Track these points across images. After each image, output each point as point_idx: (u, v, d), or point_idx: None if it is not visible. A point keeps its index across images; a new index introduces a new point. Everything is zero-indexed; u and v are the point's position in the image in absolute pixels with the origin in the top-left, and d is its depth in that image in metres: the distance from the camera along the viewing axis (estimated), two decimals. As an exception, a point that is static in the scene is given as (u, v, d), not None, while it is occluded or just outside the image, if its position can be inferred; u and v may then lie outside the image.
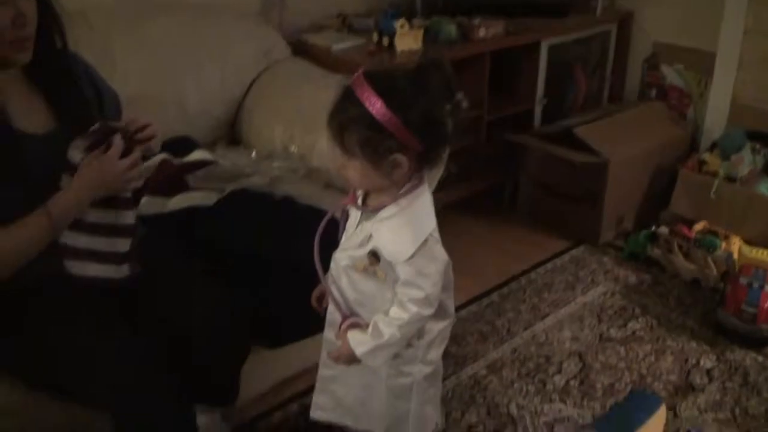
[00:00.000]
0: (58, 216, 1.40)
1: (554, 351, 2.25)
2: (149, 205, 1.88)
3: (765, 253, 2.30)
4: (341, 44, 2.62)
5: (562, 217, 2.96)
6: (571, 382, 2.11)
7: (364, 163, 1.28)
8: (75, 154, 1.45)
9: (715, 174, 2.73)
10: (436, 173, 2.07)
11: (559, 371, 2.16)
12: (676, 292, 2.56)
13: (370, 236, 1.35)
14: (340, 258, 1.42)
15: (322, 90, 2.32)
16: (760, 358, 2.21)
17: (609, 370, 2.16)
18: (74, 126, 1.48)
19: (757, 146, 2.79)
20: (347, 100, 1.26)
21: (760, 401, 2.05)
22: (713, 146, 2.95)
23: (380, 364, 1.42)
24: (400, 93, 1.24)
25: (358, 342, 1.38)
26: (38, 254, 1.40)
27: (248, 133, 2.41)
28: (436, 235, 1.36)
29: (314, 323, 1.65)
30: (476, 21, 2.70)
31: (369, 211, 1.37)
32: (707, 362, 2.20)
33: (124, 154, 1.46)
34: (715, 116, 3.09)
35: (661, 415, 1.62)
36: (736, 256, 2.40)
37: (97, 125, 1.48)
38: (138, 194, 1.86)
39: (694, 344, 2.28)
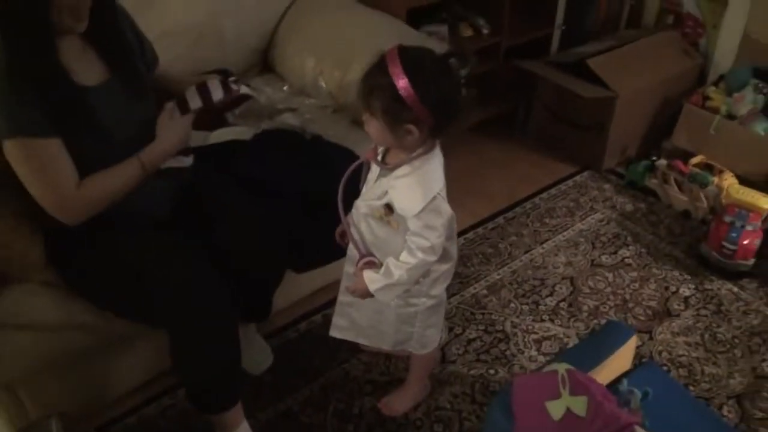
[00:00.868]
0: (149, 165, 1.70)
1: (549, 275, 2.51)
2: (193, 138, 2.10)
3: (751, 194, 2.48)
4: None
5: (570, 143, 3.15)
6: (561, 304, 2.38)
7: (383, 124, 1.49)
8: (194, 101, 1.80)
9: (717, 110, 2.88)
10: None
11: (552, 294, 2.43)
12: (667, 221, 2.78)
13: (386, 191, 1.57)
14: (360, 206, 1.66)
15: (355, 24, 2.48)
16: (735, 289, 2.45)
17: (596, 294, 2.42)
18: (123, 75, 1.70)
19: (760, 85, 2.91)
20: (379, 67, 1.45)
21: (728, 328, 2.30)
22: (720, 80, 3.08)
23: (390, 300, 1.68)
24: (424, 74, 1.43)
25: (372, 280, 1.63)
26: None
27: (281, 63, 2.57)
28: (443, 193, 1.58)
29: (336, 252, 1.91)
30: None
31: (387, 168, 1.59)
32: (686, 290, 2.45)
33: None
34: (726, 49, 3.19)
35: (631, 344, 1.87)
36: (724, 194, 2.59)
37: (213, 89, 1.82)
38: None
39: (677, 273, 2.52)
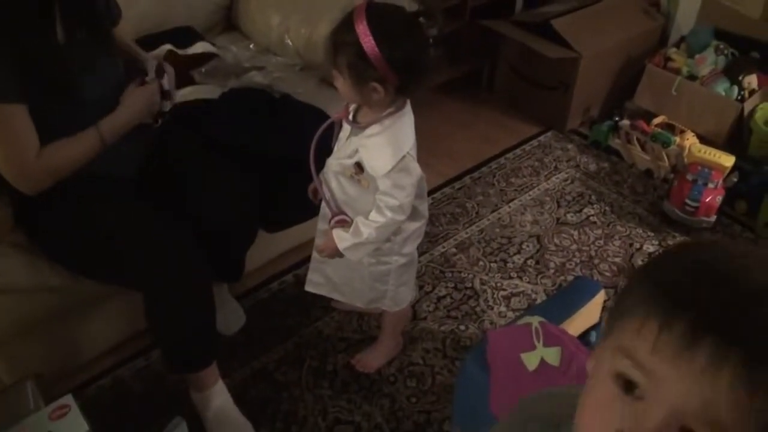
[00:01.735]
0: (108, 134, 1.66)
1: (516, 233, 2.55)
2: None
3: (712, 153, 2.53)
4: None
5: (534, 103, 3.17)
6: (528, 261, 2.43)
7: (349, 81, 1.49)
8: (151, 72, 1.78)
9: (678, 71, 2.93)
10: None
11: (519, 251, 2.46)
12: (630, 180, 2.84)
13: (357, 150, 1.58)
14: (332, 164, 1.66)
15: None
16: (695, 245, 2.52)
17: (562, 252, 2.47)
18: (91, 31, 1.65)
19: (721, 46, 2.96)
20: (346, 24, 1.44)
21: (689, 282, 2.37)
22: (681, 40, 3.13)
23: (359, 258, 1.69)
24: (391, 33, 1.42)
25: (341, 239, 1.64)
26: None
27: (245, 21, 2.53)
28: (413, 153, 1.58)
29: (308, 211, 1.92)
30: None
31: (358, 127, 1.59)
32: (650, 247, 2.51)
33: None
34: (687, 10, 3.23)
35: (599, 299, 1.92)
36: (686, 152, 2.65)
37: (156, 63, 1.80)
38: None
39: (640, 230, 2.58)
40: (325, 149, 1.70)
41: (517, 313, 2.21)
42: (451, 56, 3.14)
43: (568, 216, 2.64)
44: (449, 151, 2.94)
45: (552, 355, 1.54)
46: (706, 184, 2.51)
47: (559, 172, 2.87)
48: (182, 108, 2.05)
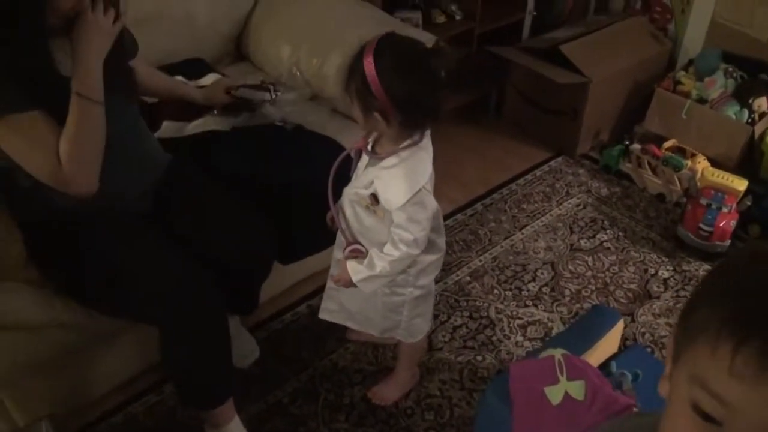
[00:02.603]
0: (85, 88, 1.49)
1: (530, 260, 2.52)
2: (168, 129, 2.05)
3: (725, 176, 2.52)
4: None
5: (543, 128, 3.16)
6: (543, 289, 2.40)
7: (357, 108, 1.49)
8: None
9: (688, 95, 2.92)
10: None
11: (534, 279, 2.44)
12: (642, 205, 2.82)
13: (372, 181, 1.56)
14: (349, 193, 1.64)
15: (332, 10, 2.45)
16: (711, 270, 2.49)
17: (577, 279, 2.44)
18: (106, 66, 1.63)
19: (730, 69, 2.96)
20: (360, 53, 1.44)
21: (706, 308, 2.34)
22: (689, 64, 3.12)
23: (372, 290, 1.67)
24: (395, 69, 1.41)
25: (355, 271, 1.62)
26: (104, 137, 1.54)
27: (255, 51, 2.53)
28: (429, 187, 1.57)
29: (322, 242, 1.89)
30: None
31: (376, 158, 1.57)
32: (665, 272, 2.49)
33: None
34: (694, 34, 3.24)
35: (618, 327, 1.90)
36: (699, 176, 2.63)
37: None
38: (158, 117, 2.05)
39: (654, 256, 2.56)
40: (344, 179, 1.68)
41: (534, 343, 2.18)
42: (459, 83, 3.14)
43: (582, 242, 2.62)
44: (458, 177, 2.93)
45: (576, 389, 1.51)
46: (720, 209, 2.49)
47: (571, 198, 2.85)
48: (193, 140, 2.04)
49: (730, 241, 2.51)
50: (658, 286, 2.43)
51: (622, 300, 2.36)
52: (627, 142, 2.96)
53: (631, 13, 3.44)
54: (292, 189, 1.98)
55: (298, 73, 2.33)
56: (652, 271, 2.49)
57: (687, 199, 2.66)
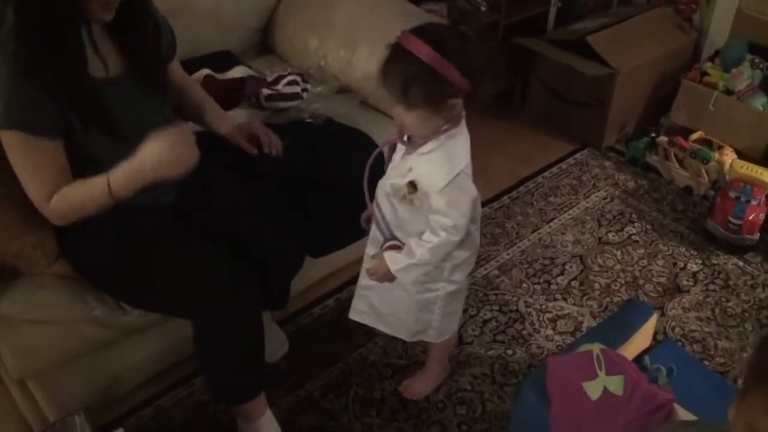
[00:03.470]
0: (119, 191, 1.49)
1: (558, 253, 2.50)
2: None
3: (754, 169, 2.49)
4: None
5: (569, 120, 3.14)
6: (572, 283, 2.38)
7: (425, 112, 1.45)
8: None
9: (714, 86, 2.89)
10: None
11: (562, 273, 2.42)
12: (669, 198, 2.79)
13: (410, 168, 1.54)
14: (384, 185, 1.63)
15: (357, 2, 2.43)
16: (741, 263, 2.47)
17: (606, 272, 2.43)
18: (141, 69, 1.61)
19: (757, 60, 2.91)
20: (402, 58, 1.40)
21: (737, 302, 2.32)
22: (715, 55, 3.09)
23: (411, 281, 1.65)
24: (449, 43, 1.39)
25: (394, 260, 1.60)
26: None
27: (281, 44, 2.53)
28: (468, 171, 1.56)
29: (353, 235, 1.88)
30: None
31: (413, 146, 1.56)
32: (694, 266, 2.47)
33: None
34: (720, 24, 3.19)
35: (652, 322, 1.88)
36: (727, 169, 2.60)
37: None
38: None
39: (683, 249, 2.53)
40: (377, 174, 1.67)
41: (564, 336, 2.16)
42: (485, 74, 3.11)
43: (610, 235, 2.59)
44: (484, 170, 2.86)
45: (615, 384, 1.49)
46: (749, 201, 2.46)
47: (598, 190, 2.83)
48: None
49: (759, 234, 2.48)
50: (687, 280, 2.40)
51: (652, 294, 2.34)
52: (654, 135, 2.93)
53: (656, 3, 3.40)
54: (322, 183, 1.97)
55: (325, 65, 2.32)
56: (681, 265, 2.47)
57: (715, 191, 2.63)
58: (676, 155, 2.83)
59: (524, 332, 2.19)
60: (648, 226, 2.64)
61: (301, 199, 1.93)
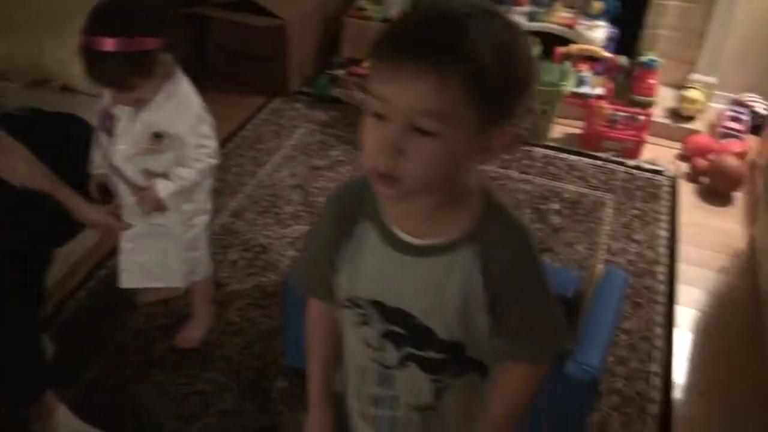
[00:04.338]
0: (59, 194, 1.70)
1: (280, 189, 2.75)
2: None
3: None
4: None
5: (252, 76, 3.37)
6: (299, 208, 2.65)
7: (147, 82, 1.61)
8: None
9: (371, 18, 3.30)
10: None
11: (288, 203, 2.67)
12: (358, 120, 3.14)
13: (150, 123, 1.68)
14: (121, 151, 1.73)
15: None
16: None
17: (324, 191, 2.72)
18: None
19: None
20: (98, 58, 1.53)
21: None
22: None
23: (177, 206, 1.78)
24: (124, 19, 1.54)
25: (164, 186, 1.72)
26: None
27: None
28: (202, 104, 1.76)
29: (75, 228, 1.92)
30: None
31: (141, 105, 1.67)
32: (393, 168, 2.84)
33: None
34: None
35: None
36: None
37: None
38: None
39: (380, 157, 2.90)
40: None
41: (307, 253, 2.41)
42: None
43: (319, 162, 2.90)
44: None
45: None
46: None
47: (298, 129, 3.12)
48: None
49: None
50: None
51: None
52: (331, 71, 3.28)
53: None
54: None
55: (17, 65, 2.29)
56: (384, 170, 2.83)
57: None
58: (355, 83, 3.20)
59: (271, 259, 2.40)
60: (348, 147, 2.98)
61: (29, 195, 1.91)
